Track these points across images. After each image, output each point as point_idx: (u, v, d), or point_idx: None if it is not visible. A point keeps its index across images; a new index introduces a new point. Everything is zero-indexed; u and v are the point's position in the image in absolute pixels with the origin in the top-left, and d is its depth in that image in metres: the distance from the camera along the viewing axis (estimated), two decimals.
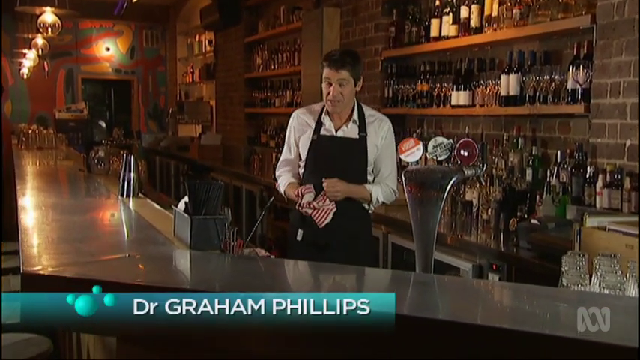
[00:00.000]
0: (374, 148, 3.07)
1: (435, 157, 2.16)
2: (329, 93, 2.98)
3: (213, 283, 1.93)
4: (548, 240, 2.89)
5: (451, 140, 2.16)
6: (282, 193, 3.16)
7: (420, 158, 2.19)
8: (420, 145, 2.17)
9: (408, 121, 5.00)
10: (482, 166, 2.15)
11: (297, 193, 3.00)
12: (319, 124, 3.10)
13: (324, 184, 2.97)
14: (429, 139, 2.20)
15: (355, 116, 3.08)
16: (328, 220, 2.96)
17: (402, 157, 2.18)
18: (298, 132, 3.15)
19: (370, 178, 3.10)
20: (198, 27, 9.82)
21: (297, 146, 3.15)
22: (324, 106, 3.11)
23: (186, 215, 2.33)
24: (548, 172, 3.40)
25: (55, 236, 2.54)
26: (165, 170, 9.73)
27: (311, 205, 2.95)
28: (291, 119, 3.21)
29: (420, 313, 1.55)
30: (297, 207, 3.00)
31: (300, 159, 3.15)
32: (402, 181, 2.09)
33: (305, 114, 3.16)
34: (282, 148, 3.31)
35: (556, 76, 3.40)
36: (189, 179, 8.28)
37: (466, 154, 2.14)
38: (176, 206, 2.53)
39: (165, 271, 2.04)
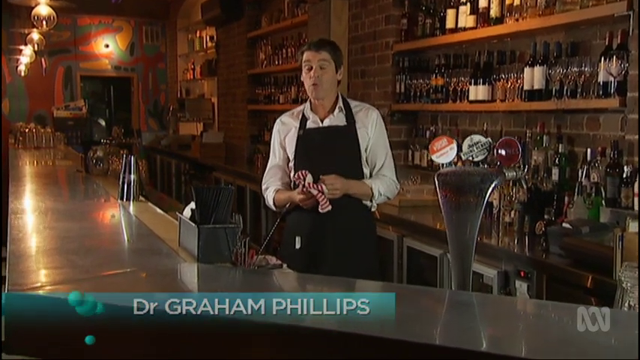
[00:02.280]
0: (364, 136, 2.94)
1: (470, 158, 1.93)
2: (310, 77, 2.89)
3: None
4: (583, 246, 2.67)
5: (489, 138, 1.93)
6: (272, 203, 2.98)
7: (454, 159, 1.96)
8: (454, 144, 1.95)
9: (420, 118, 4.79)
10: (524, 168, 1.92)
11: (298, 175, 2.78)
12: (304, 120, 2.98)
13: (322, 181, 2.78)
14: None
15: (340, 104, 2.97)
16: (330, 207, 2.76)
17: (434, 157, 1.96)
18: (283, 133, 3.03)
19: (366, 170, 2.96)
20: (199, 22, 9.66)
21: (284, 149, 3.02)
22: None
23: (192, 224, 2.11)
24: (579, 171, 3.17)
25: (48, 247, 2.35)
26: (166, 169, 9.58)
27: (319, 187, 2.73)
28: (274, 126, 3.10)
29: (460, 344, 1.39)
30: (301, 189, 2.77)
31: (289, 160, 3.00)
32: (435, 184, 1.86)
33: (288, 117, 3.07)
34: None
35: (586, 69, 3.18)
36: (190, 178, 8.10)
37: (504, 152, 1.92)
38: (180, 210, 2.32)
39: (170, 290, 1.83)
